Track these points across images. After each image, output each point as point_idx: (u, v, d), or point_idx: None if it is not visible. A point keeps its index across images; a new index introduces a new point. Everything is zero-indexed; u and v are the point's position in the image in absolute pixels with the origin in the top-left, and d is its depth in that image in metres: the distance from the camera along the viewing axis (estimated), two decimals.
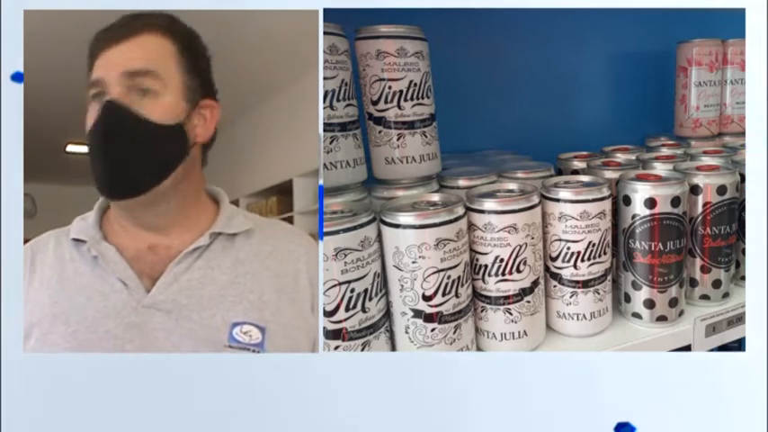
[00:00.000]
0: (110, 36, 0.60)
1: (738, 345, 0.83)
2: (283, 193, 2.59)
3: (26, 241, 0.66)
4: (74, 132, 3.09)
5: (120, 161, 0.59)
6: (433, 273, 0.63)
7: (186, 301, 0.59)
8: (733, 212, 0.81)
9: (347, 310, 0.62)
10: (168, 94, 0.60)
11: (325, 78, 0.68)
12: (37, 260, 0.62)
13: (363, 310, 0.63)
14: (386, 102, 0.72)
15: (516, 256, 0.67)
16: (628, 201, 0.74)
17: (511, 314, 0.69)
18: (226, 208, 0.65)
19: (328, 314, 0.61)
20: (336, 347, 0.62)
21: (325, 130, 0.69)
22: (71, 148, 3.36)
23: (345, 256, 0.61)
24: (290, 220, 2.40)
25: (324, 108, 0.68)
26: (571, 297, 0.73)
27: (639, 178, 0.75)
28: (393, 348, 0.67)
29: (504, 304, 0.69)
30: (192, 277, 0.60)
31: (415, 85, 0.72)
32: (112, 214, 0.64)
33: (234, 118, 2.76)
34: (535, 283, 0.70)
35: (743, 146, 1.00)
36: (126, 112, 0.58)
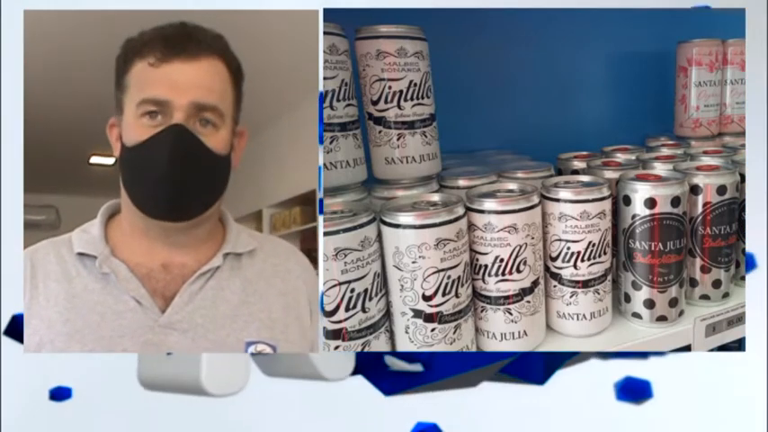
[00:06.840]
0: (167, 48, 0.58)
1: (738, 345, 0.83)
2: (306, 203, 2.58)
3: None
4: (97, 144, 3.10)
5: (184, 186, 0.58)
6: (433, 273, 0.63)
7: (201, 320, 0.59)
8: (733, 212, 0.81)
9: (347, 310, 0.62)
10: (224, 129, 0.60)
11: (325, 78, 0.68)
12: (38, 274, 0.60)
13: (363, 310, 0.63)
14: (386, 102, 0.72)
15: (516, 256, 0.67)
16: (628, 201, 0.74)
17: (511, 314, 0.69)
18: (232, 226, 0.65)
19: (328, 314, 0.61)
20: (336, 347, 0.62)
21: (325, 130, 0.69)
22: (95, 159, 3.35)
23: (345, 256, 0.61)
24: (313, 231, 2.41)
25: (324, 108, 0.68)
26: (571, 297, 0.73)
27: (639, 178, 0.75)
28: (393, 348, 0.67)
29: (504, 304, 0.69)
30: (206, 297, 0.60)
31: (415, 85, 0.72)
32: (128, 227, 0.62)
33: (258, 128, 2.75)
34: (535, 283, 0.70)
35: (743, 146, 1.00)
36: (195, 141, 0.58)
